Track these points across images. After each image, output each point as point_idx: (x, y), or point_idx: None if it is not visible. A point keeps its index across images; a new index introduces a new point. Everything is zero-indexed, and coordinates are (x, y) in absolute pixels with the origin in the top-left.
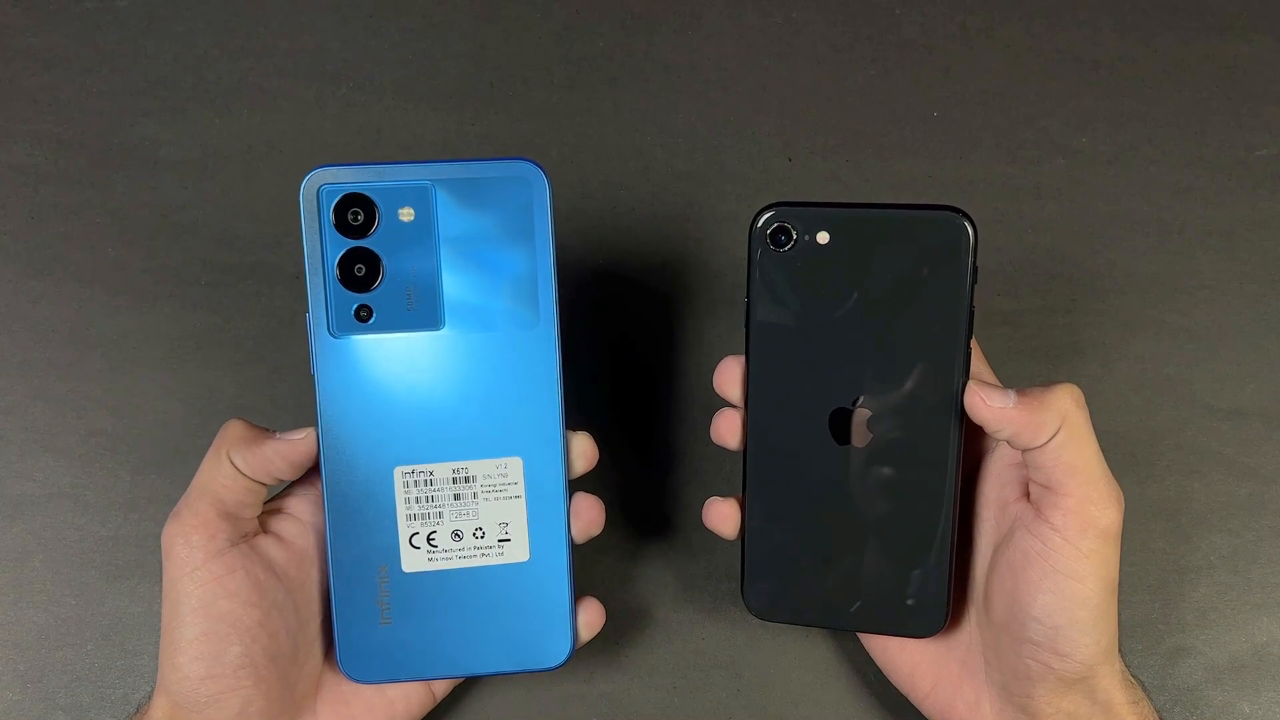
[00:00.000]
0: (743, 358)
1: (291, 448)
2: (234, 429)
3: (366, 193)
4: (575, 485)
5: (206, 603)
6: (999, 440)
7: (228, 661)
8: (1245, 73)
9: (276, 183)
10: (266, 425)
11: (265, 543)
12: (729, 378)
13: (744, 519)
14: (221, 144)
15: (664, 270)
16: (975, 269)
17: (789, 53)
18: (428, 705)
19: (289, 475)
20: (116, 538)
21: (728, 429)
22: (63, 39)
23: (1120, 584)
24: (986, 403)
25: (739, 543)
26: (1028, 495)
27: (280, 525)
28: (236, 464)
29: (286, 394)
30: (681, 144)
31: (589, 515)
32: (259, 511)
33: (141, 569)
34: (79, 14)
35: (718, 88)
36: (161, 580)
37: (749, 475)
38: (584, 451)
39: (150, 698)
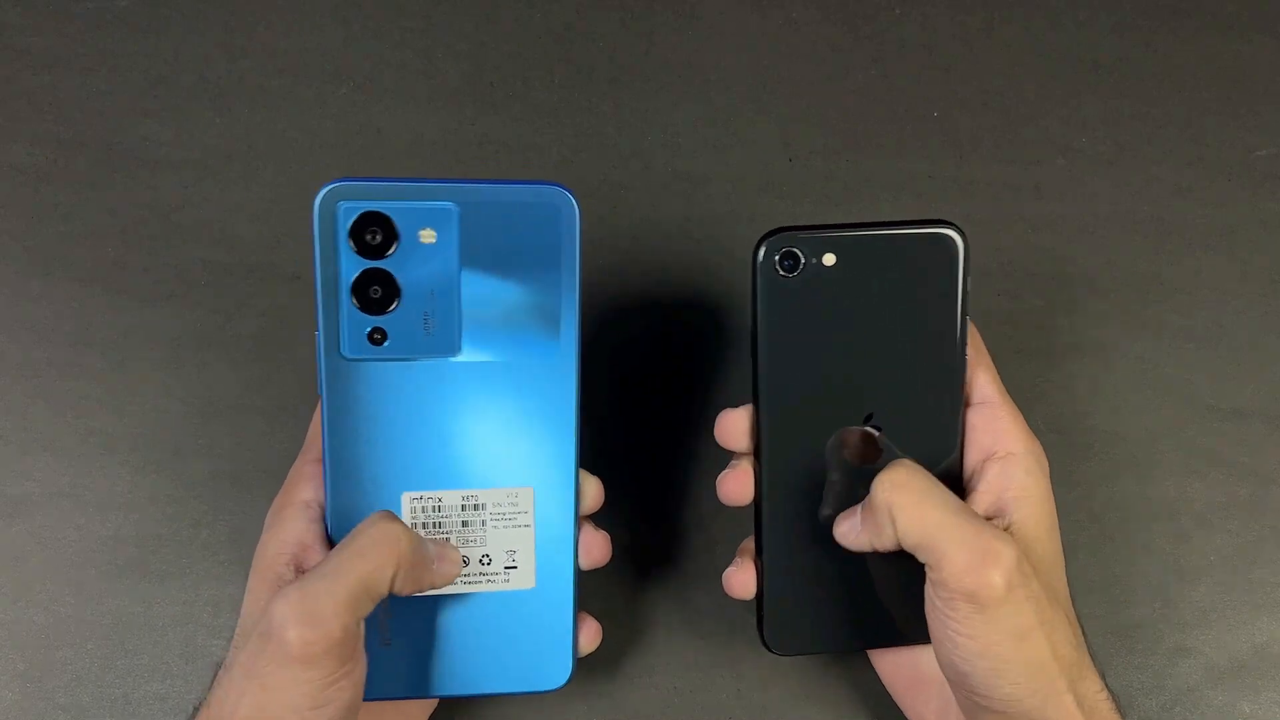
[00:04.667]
0: (741, 408)
1: (448, 572)
2: (403, 546)
3: (387, 212)
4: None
5: (329, 702)
6: (983, 462)
7: None
8: (1245, 73)
9: (276, 183)
10: (265, 426)
11: None
12: (733, 429)
13: (761, 563)
14: (221, 144)
15: (663, 270)
16: (967, 280)
17: (789, 53)
18: (434, 702)
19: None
20: (116, 538)
21: (738, 487)
22: (63, 39)
23: (1120, 585)
24: (843, 533)
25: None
26: None
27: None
28: (397, 586)
29: (287, 394)
30: (681, 144)
31: (597, 553)
32: None
33: (141, 569)
34: (79, 14)
35: (718, 88)
36: (257, 651)
37: (766, 514)
38: (591, 494)
39: None
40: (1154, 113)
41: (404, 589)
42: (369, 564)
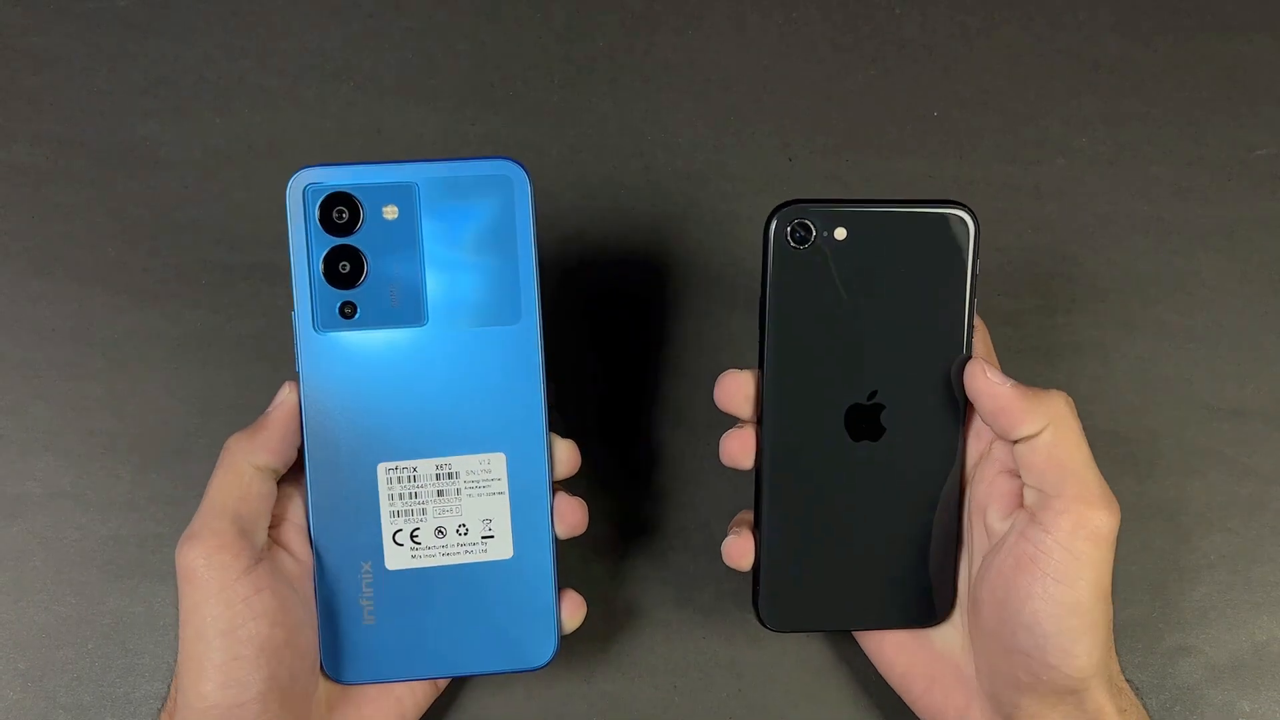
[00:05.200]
0: (745, 370)
1: (287, 407)
2: (237, 441)
3: (351, 191)
4: (570, 487)
5: (235, 626)
6: (992, 445)
7: (256, 687)
8: (1245, 73)
9: (276, 183)
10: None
11: (281, 556)
12: (736, 392)
13: (759, 535)
14: (221, 144)
15: (663, 270)
16: (976, 261)
17: (789, 53)
18: (432, 695)
19: (298, 436)
20: (116, 537)
21: (741, 449)
22: (63, 39)
23: (1120, 584)
24: (985, 374)
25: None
26: (1021, 504)
27: (287, 536)
28: (259, 463)
29: None
30: (681, 144)
31: (572, 519)
32: (268, 524)
33: (142, 569)
34: (79, 14)
35: (718, 88)
36: (179, 601)
37: (766, 485)
38: (566, 458)
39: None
40: (1154, 113)
41: (275, 453)
42: (216, 481)
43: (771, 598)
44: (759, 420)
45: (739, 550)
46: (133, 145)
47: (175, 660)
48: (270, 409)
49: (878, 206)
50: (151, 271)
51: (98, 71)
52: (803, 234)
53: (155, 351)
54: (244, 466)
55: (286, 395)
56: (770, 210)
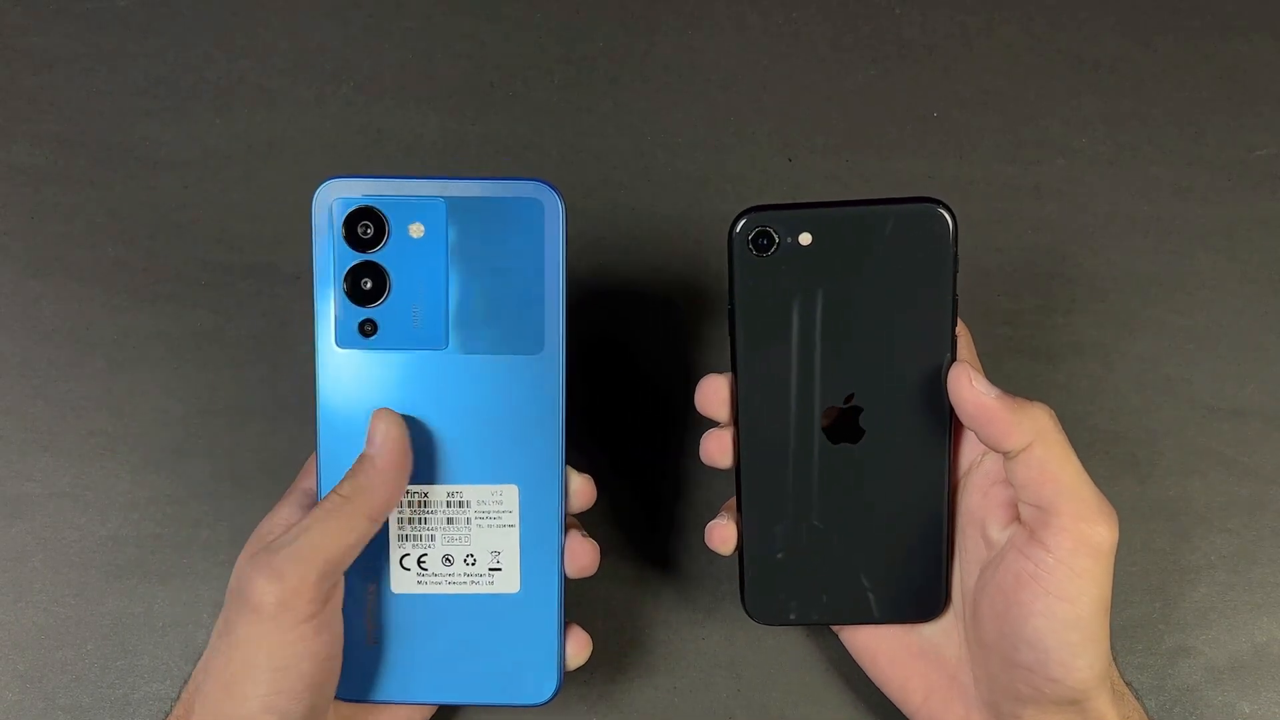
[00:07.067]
0: (724, 375)
1: (394, 445)
2: (357, 492)
3: (377, 206)
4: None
5: (288, 665)
6: (984, 455)
7: (295, 717)
8: (1245, 73)
9: (276, 183)
10: (267, 426)
11: (339, 591)
12: (713, 397)
13: (740, 529)
14: (221, 144)
15: (664, 270)
16: (956, 258)
17: (789, 53)
18: (434, 708)
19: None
20: (116, 538)
21: (718, 449)
22: (63, 39)
23: (1120, 584)
24: (971, 384)
25: (736, 553)
26: (1018, 517)
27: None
28: (378, 516)
29: (287, 394)
30: (681, 144)
31: (583, 560)
32: None
33: (141, 569)
34: (79, 14)
35: (718, 88)
36: (229, 619)
37: (744, 484)
38: (580, 490)
39: None
40: (1154, 113)
41: (391, 505)
42: (327, 528)
43: (756, 591)
44: (735, 422)
45: (720, 536)
46: (132, 145)
47: (193, 668)
48: (374, 450)
49: (845, 208)
50: (151, 271)
51: (98, 71)
52: (765, 242)
53: (155, 351)
54: (362, 522)
55: (387, 430)
56: (731, 219)
